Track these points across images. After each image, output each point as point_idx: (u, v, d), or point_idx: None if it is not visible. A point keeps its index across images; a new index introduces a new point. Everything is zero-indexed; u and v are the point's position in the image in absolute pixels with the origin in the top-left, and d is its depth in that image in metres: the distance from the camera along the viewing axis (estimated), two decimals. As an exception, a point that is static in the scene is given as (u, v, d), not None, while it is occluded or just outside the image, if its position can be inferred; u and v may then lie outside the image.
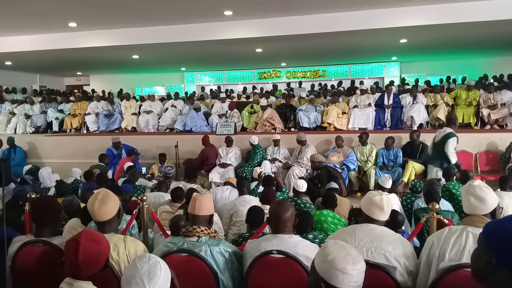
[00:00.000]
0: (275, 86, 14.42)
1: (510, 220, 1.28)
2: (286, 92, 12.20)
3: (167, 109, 10.70)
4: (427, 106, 9.12)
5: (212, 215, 2.54)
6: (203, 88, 15.46)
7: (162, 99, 12.08)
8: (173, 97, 11.41)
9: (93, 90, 15.04)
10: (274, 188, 5.13)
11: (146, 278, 1.49)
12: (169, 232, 3.19)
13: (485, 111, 8.64)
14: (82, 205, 3.76)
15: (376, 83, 12.95)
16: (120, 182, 5.96)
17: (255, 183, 5.74)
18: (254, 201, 4.15)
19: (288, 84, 14.76)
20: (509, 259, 1.22)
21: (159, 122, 10.52)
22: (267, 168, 7.26)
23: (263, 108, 9.28)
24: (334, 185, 4.99)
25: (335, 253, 1.53)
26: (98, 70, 15.92)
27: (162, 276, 1.52)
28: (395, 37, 9.92)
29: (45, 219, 2.50)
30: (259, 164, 7.37)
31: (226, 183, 5.51)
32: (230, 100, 10.89)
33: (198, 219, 2.44)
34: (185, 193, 4.36)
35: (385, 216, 2.30)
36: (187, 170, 6.96)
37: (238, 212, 4.10)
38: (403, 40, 10.29)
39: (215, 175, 7.45)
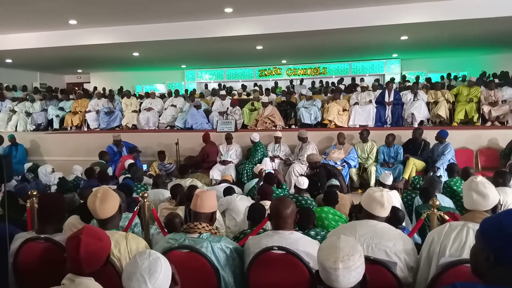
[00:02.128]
0: (276, 83, 14.42)
1: (505, 215, 1.28)
2: (286, 89, 12.18)
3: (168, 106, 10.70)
4: (427, 103, 9.12)
5: (214, 212, 2.54)
6: (206, 86, 15.44)
7: (162, 96, 12.08)
8: (174, 95, 11.40)
9: (94, 88, 15.04)
10: (275, 185, 5.16)
11: (146, 274, 1.50)
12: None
13: (486, 108, 8.63)
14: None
15: (377, 80, 12.93)
16: (121, 179, 5.96)
17: (256, 180, 5.75)
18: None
19: (291, 81, 14.75)
20: (507, 254, 1.21)
21: (159, 120, 10.53)
22: (267, 165, 7.27)
23: (264, 105, 9.27)
24: (334, 181, 4.99)
25: (322, 251, 1.58)
26: (98, 67, 15.92)
27: (162, 272, 1.53)
28: (395, 34, 9.90)
29: (51, 216, 2.51)
30: (260, 162, 7.38)
31: (223, 180, 5.53)
32: (231, 98, 10.89)
33: (200, 216, 2.44)
34: (186, 191, 4.35)
35: (385, 212, 2.31)
36: (179, 167, 6.89)
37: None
38: (404, 37, 10.27)
39: (215, 173, 7.45)
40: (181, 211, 3.92)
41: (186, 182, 5.60)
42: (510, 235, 1.21)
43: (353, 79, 13.70)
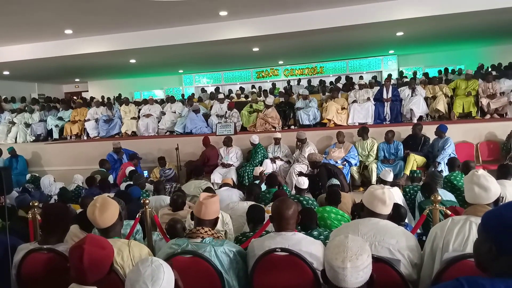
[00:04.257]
0: (273, 85, 14.42)
1: (506, 207, 1.29)
2: (284, 90, 12.18)
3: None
4: (426, 98, 9.11)
5: (217, 218, 2.55)
6: (203, 90, 15.45)
7: (161, 102, 12.08)
8: (170, 101, 11.36)
9: (91, 98, 15.03)
10: (276, 186, 5.15)
11: (149, 281, 1.50)
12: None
13: (484, 101, 8.61)
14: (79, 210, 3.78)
15: (374, 77, 12.94)
16: (122, 186, 5.96)
17: (256, 182, 5.75)
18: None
19: (288, 82, 14.76)
20: (508, 246, 1.22)
21: (158, 126, 10.52)
22: (268, 167, 7.27)
23: (268, 106, 9.24)
24: (335, 181, 4.98)
25: (329, 250, 1.57)
26: (96, 76, 15.94)
27: (165, 278, 1.53)
28: (391, 31, 9.90)
29: (57, 227, 2.51)
30: (261, 163, 7.38)
31: (224, 184, 5.53)
32: (229, 101, 10.89)
33: (204, 222, 2.45)
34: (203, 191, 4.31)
35: (387, 210, 2.31)
36: (194, 168, 6.90)
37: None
38: (400, 33, 10.28)
39: (217, 176, 7.45)
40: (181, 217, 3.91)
41: (201, 184, 5.58)
42: (511, 227, 1.22)
43: (350, 78, 13.67)
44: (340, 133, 7.44)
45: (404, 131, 7.50)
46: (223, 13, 8.50)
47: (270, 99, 9.51)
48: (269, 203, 4.32)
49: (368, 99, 9.18)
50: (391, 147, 7.18)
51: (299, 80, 14.79)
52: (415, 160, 6.81)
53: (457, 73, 12.21)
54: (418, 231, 3.22)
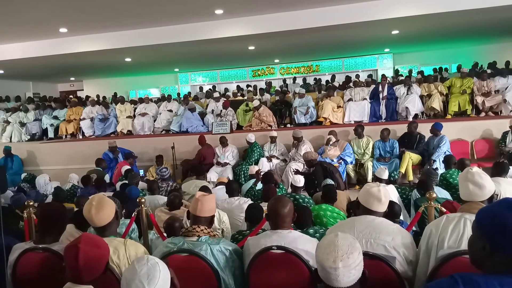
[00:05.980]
0: (269, 83, 14.40)
1: (499, 205, 1.30)
2: (280, 88, 12.18)
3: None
4: (421, 97, 9.15)
5: (213, 216, 2.55)
6: (201, 88, 15.43)
7: (157, 101, 12.05)
8: (167, 100, 11.34)
9: (87, 97, 14.97)
10: (273, 185, 5.15)
11: (145, 280, 1.49)
12: (165, 234, 3.20)
13: (479, 99, 8.66)
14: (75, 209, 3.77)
15: (370, 76, 12.96)
16: (118, 185, 5.95)
17: (253, 180, 5.74)
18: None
19: (284, 80, 14.76)
20: (501, 243, 1.23)
21: (154, 124, 10.50)
22: (264, 165, 7.27)
23: (257, 108, 9.24)
24: (329, 181, 4.98)
25: (320, 250, 1.56)
26: (91, 75, 15.87)
27: (161, 277, 1.53)
28: (386, 29, 9.92)
29: (53, 226, 2.50)
30: (257, 162, 7.38)
31: (219, 183, 5.53)
32: (225, 99, 10.88)
33: (200, 219, 2.45)
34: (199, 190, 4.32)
35: (383, 207, 2.32)
36: (195, 168, 6.89)
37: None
38: (395, 32, 10.30)
39: (213, 175, 7.44)
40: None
41: (202, 183, 5.57)
42: (504, 224, 1.23)
43: (348, 76, 13.67)
44: (332, 132, 7.46)
45: (399, 129, 7.52)
46: (218, 12, 8.49)
47: (256, 101, 9.42)
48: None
49: (365, 99, 9.19)
50: (386, 145, 7.21)
51: (294, 79, 14.79)
52: (411, 158, 6.83)
53: (455, 71, 12.24)
54: (414, 228, 3.24)
